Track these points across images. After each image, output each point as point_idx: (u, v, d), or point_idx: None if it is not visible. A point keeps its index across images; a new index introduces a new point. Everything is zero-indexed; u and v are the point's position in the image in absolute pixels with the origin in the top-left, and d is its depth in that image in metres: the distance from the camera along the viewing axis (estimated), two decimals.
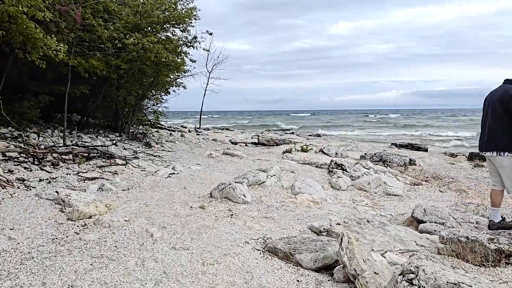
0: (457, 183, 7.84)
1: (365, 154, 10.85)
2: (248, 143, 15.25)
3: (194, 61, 11.45)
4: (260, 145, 14.36)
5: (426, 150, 16.79)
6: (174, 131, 19.27)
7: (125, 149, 9.33)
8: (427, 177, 8.90)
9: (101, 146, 8.07)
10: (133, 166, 7.27)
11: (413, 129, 38.00)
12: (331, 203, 5.94)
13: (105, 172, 6.54)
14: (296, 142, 14.22)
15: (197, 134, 19.06)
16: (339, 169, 8.15)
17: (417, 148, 16.84)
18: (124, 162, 7.43)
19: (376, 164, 10.27)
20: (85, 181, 5.81)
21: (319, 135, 28.30)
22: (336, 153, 11.22)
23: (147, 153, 9.08)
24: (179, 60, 10.82)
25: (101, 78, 10.55)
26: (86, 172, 6.32)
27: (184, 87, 12.76)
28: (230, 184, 5.35)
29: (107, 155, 7.41)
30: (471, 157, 13.85)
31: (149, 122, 13.96)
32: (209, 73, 23.79)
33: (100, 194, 5.12)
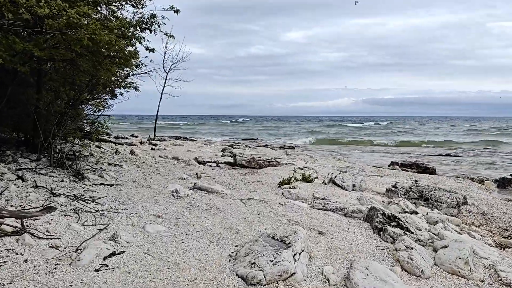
0: None
1: (395, 187, 7.99)
2: (220, 163, 12.02)
3: (152, 50, 8.09)
4: (238, 167, 11.20)
5: (434, 171, 14.35)
6: (122, 144, 15.70)
7: (36, 187, 5.85)
8: (506, 230, 6.13)
9: None
10: (34, 236, 3.89)
11: (392, 140, 36.27)
12: None
13: None
14: (286, 164, 11.19)
15: (152, 149, 15.57)
16: (394, 225, 5.16)
17: (424, 168, 14.36)
18: (19, 226, 4.03)
19: (416, 203, 7.43)
20: None
21: (292, 147, 25.56)
22: (354, 185, 8.28)
23: (72, 195, 5.66)
24: (130, 48, 7.48)
25: (4, 72, 7.04)
26: None
27: (135, 88, 9.38)
28: None
29: None
30: (502, 183, 11.44)
31: (85, 135, 10.39)
32: (167, 74, 20.28)
33: None
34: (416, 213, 6.66)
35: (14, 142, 8.90)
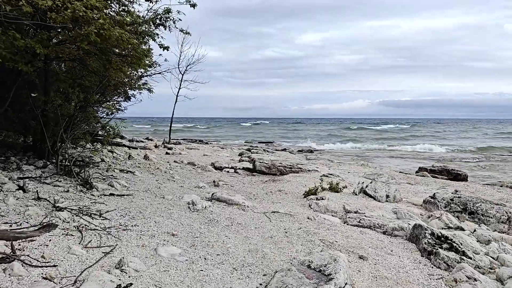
0: None
1: (434, 198, 7.22)
2: (239, 168, 11.39)
3: (167, 48, 7.46)
4: (257, 173, 10.54)
5: (466, 178, 13.48)
6: (136, 148, 15.21)
7: (38, 199, 5.30)
8: None
9: None
10: (25, 264, 3.30)
11: (412, 142, 35.21)
12: None
13: None
14: (309, 170, 10.50)
15: (167, 153, 15.03)
16: (446, 247, 4.42)
17: (455, 175, 13.49)
18: (9, 250, 3.45)
19: (459, 217, 6.66)
20: None
21: (311, 151, 24.83)
22: (388, 196, 7.54)
23: (77, 209, 5.08)
24: (142, 46, 6.90)
25: (8, 73, 6.55)
26: None
27: (149, 89, 8.81)
28: None
29: None
30: None
31: (97, 139, 9.88)
32: (182, 75, 19.78)
33: None
34: (462, 229, 5.93)
35: (21, 148, 8.41)
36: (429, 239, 4.61)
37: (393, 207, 7.01)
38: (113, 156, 10.95)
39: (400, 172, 14.54)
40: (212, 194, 6.86)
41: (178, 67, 19.74)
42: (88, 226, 4.53)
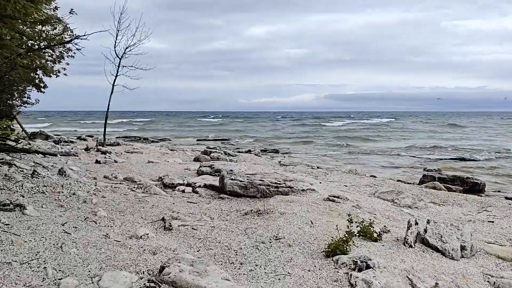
0: None
1: None
2: (198, 186, 8.13)
3: None
4: (227, 196, 7.33)
5: (484, 188, 11.12)
6: (56, 155, 11.47)
7: None
8: None
9: None
10: None
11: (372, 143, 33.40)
12: None
13: None
14: (303, 190, 7.42)
15: (97, 162, 11.33)
16: None
17: (472, 185, 11.05)
18: None
19: None
20: None
21: (276, 151, 21.94)
22: (463, 247, 4.61)
23: None
24: None
25: None
26: None
27: (44, 72, 5.33)
28: None
29: None
30: None
31: None
32: (120, 59, 15.92)
33: None
34: None
35: None
36: None
37: (484, 272, 4.11)
38: (6, 174, 7.30)
39: (399, 180, 11.91)
40: (162, 270, 3.56)
41: (115, 50, 15.87)
42: None
